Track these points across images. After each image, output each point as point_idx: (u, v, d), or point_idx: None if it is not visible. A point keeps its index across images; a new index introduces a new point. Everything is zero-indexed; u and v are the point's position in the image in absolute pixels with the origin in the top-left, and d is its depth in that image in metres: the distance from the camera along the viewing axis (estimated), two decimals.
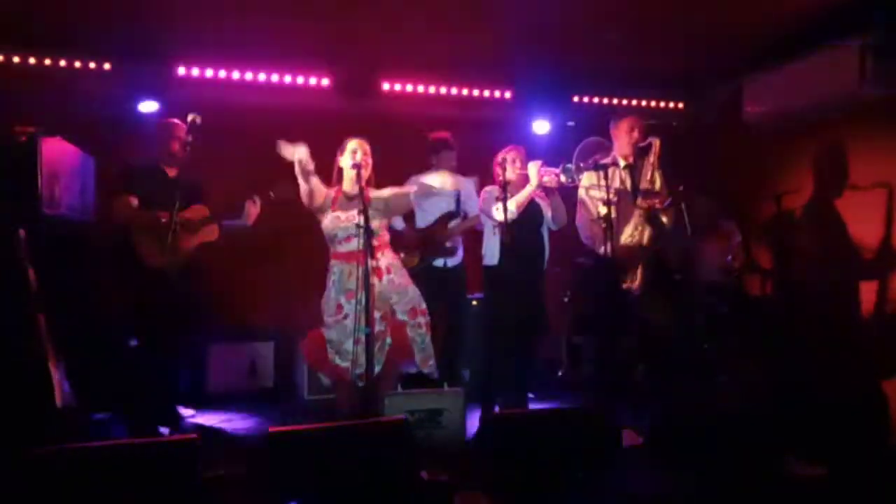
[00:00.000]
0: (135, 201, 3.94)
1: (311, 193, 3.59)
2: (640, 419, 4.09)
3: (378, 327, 3.59)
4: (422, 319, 3.78)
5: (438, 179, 4.76)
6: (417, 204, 4.55)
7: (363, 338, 3.30)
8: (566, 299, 5.73)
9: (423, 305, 3.81)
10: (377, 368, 3.54)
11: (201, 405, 4.76)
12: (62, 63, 4.64)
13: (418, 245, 4.65)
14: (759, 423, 3.37)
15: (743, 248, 5.42)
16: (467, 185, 4.82)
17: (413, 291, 3.81)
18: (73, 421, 3.60)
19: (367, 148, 3.70)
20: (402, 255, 4.35)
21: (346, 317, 3.58)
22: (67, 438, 2.95)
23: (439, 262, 4.69)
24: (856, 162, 4.94)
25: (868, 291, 4.86)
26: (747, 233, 5.51)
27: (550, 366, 5.64)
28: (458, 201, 4.76)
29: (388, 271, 3.72)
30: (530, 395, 4.67)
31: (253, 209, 4.09)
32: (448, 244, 4.69)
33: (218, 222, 4.12)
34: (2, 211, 3.69)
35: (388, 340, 3.67)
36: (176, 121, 4.13)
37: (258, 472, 2.95)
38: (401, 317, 3.72)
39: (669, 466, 3.27)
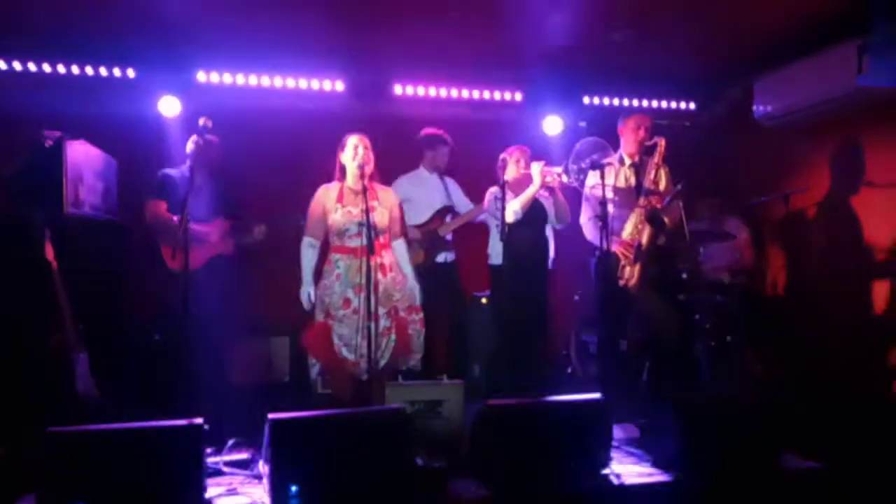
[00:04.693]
0: (163, 206, 4.06)
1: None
2: (641, 413, 4.14)
3: (384, 323, 3.67)
4: (416, 316, 3.85)
5: (421, 178, 4.87)
6: (406, 200, 4.61)
7: (369, 332, 3.40)
8: (577, 297, 5.78)
9: (418, 302, 3.87)
10: (382, 363, 3.65)
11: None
12: (88, 70, 4.82)
13: (421, 241, 4.70)
14: (760, 419, 3.39)
15: (752, 245, 5.42)
16: (449, 183, 4.92)
17: (410, 289, 3.87)
18: (96, 410, 3.78)
19: (367, 143, 3.75)
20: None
21: (355, 311, 3.63)
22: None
23: (440, 258, 4.77)
24: (871, 159, 4.93)
25: (880, 291, 4.84)
26: (758, 231, 5.51)
27: (560, 363, 5.71)
28: (448, 194, 4.84)
29: (391, 268, 3.80)
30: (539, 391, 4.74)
31: (261, 228, 4.20)
32: (448, 238, 4.77)
33: (233, 240, 4.24)
34: (29, 211, 3.90)
35: (393, 337, 3.74)
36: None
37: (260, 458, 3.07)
38: (402, 314, 3.79)
39: (665, 460, 3.31)
